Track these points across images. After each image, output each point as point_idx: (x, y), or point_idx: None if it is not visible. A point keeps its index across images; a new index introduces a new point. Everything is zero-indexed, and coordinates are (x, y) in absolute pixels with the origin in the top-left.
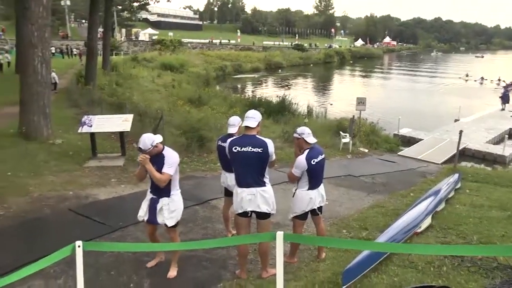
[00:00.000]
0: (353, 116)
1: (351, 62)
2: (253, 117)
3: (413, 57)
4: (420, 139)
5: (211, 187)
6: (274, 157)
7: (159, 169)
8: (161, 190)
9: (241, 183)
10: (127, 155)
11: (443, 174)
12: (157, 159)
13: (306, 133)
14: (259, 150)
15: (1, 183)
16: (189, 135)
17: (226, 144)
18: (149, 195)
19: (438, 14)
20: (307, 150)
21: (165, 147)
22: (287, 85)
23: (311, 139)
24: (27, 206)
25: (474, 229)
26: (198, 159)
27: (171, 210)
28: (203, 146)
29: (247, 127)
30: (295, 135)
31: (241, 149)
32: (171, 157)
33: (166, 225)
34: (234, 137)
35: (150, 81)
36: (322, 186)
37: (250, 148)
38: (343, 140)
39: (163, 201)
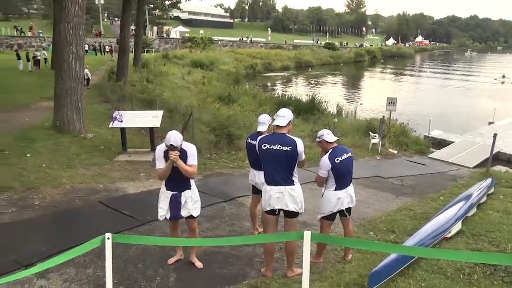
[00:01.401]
0: (383, 116)
1: (382, 61)
2: (283, 116)
3: (446, 57)
4: (452, 142)
5: (239, 184)
6: (303, 156)
7: (184, 162)
8: (183, 184)
9: (269, 181)
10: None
11: (475, 178)
12: (180, 154)
13: (325, 134)
14: (288, 148)
15: (36, 174)
16: (218, 132)
17: (256, 142)
18: (168, 193)
19: (474, 12)
20: (331, 150)
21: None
22: (317, 84)
23: (331, 138)
24: (59, 197)
25: (508, 237)
26: (227, 156)
27: (194, 200)
28: (231, 144)
29: (277, 126)
30: (317, 139)
31: (270, 146)
32: (191, 148)
33: (191, 216)
34: (264, 135)
35: (180, 78)
36: (351, 186)
37: (279, 146)
38: (373, 141)
39: (186, 194)
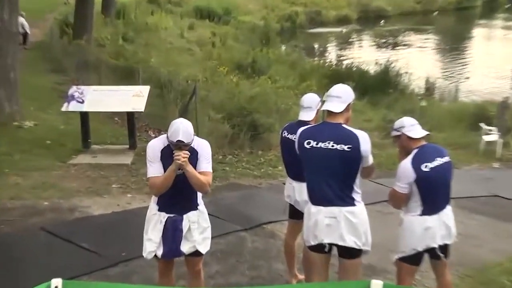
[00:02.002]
0: (506, 98)
1: (507, 6)
2: (339, 97)
3: None
4: None
5: (268, 203)
6: (370, 160)
7: (194, 168)
8: (187, 202)
9: (316, 199)
10: (138, 148)
11: None
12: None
13: (408, 126)
14: (346, 147)
15: None
16: (235, 121)
17: (296, 136)
18: (162, 215)
19: None
20: (416, 151)
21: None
22: (393, 47)
23: (416, 131)
24: None
25: None
26: (249, 158)
27: (203, 227)
28: (257, 139)
29: (329, 112)
30: (392, 132)
31: (317, 144)
32: (204, 147)
33: (197, 253)
34: (309, 125)
35: (177, 36)
36: (448, 210)
37: (331, 143)
38: (486, 138)
39: (190, 217)
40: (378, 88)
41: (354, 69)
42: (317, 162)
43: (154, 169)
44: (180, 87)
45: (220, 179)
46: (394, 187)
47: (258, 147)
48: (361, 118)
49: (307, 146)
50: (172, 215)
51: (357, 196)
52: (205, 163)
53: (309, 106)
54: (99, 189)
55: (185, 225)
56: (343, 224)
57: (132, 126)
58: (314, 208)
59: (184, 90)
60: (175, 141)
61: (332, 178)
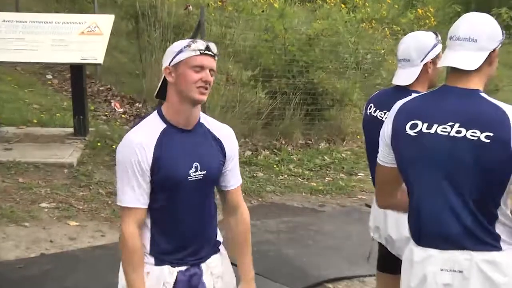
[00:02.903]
0: None
1: None
2: (473, 40)
3: None
4: None
5: (338, 241)
6: None
7: (215, 177)
8: (204, 239)
9: (425, 235)
10: (91, 134)
11: None
12: (204, 148)
13: None
14: (483, 136)
15: None
16: (277, 86)
17: (390, 115)
18: (164, 272)
19: None
20: None
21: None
22: None
23: None
24: None
25: None
26: (303, 156)
27: (228, 284)
28: (318, 120)
29: (454, 70)
30: None
31: (429, 128)
32: (234, 140)
33: None
34: (414, 95)
35: None
36: None
37: (457, 127)
38: None
39: (211, 266)
40: None
41: None
42: (429, 164)
43: (132, 195)
44: (171, 18)
45: (248, 196)
46: None
47: (321, 135)
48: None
49: (411, 133)
50: (184, 268)
51: (506, 234)
52: (237, 170)
53: (408, 58)
54: (15, 212)
55: (207, 281)
56: (474, 285)
57: (80, 93)
58: (420, 252)
59: (179, 23)
60: (202, 48)
61: (458, 194)
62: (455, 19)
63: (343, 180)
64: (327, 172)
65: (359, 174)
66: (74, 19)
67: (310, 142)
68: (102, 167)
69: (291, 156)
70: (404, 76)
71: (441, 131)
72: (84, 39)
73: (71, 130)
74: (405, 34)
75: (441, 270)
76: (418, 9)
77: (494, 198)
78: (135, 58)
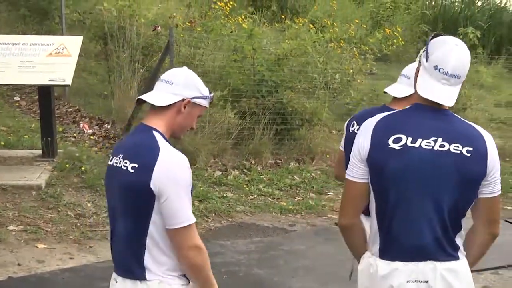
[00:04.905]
0: None
1: None
2: (458, 76)
3: None
4: None
5: (310, 263)
6: (498, 187)
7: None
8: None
9: (395, 248)
10: (59, 155)
11: None
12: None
13: None
14: (465, 150)
15: None
16: (247, 106)
17: (367, 129)
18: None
19: None
20: None
21: (160, 138)
22: None
23: None
24: None
25: None
26: (273, 176)
27: None
28: (287, 139)
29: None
30: None
31: (414, 142)
32: (174, 174)
33: None
34: (393, 111)
35: None
36: None
37: (440, 141)
38: None
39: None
40: None
41: (483, 5)
42: (413, 177)
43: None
44: (140, 39)
45: (218, 216)
46: None
47: (290, 155)
48: (491, 99)
49: (396, 147)
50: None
51: (461, 244)
52: (177, 200)
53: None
54: None
55: None
56: None
57: (48, 114)
58: (385, 266)
59: (148, 44)
60: (210, 95)
61: (437, 206)
62: (423, 39)
63: (313, 199)
64: (297, 191)
65: (329, 193)
66: (42, 41)
67: (279, 161)
68: (71, 189)
69: (261, 176)
70: (398, 89)
71: (425, 145)
72: (52, 60)
73: (39, 152)
74: (373, 54)
75: (407, 282)
76: (386, 29)
77: (464, 210)
78: (104, 79)
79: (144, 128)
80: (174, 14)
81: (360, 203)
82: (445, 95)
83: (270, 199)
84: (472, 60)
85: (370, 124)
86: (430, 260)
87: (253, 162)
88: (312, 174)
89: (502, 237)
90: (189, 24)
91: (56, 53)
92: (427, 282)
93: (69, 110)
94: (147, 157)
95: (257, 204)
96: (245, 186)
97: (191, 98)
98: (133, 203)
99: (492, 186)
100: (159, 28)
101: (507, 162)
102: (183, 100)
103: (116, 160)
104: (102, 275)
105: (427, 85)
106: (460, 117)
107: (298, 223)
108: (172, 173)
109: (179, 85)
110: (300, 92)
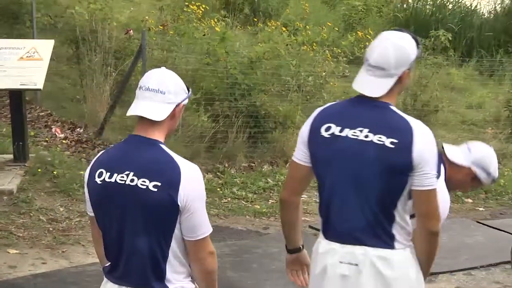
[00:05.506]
0: None
1: None
2: (382, 68)
3: None
4: None
5: (283, 263)
6: (432, 181)
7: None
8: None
9: (331, 229)
10: (31, 160)
11: None
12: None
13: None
14: (388, 142)
15: None
16: (220, 109)
17: (310, 119)
18: None
19: None
20: None
21: (170, 151)
22: None
23: None
24: None
25: None
26: (246, 179)
27: None
28: (261, 142)
29: (368, 81)
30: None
31: (341, 131)
32: (194, 183)
33: None
34: (334, 103)
35: None
36: None
37: (366, 132)
38: None
39: None
40: (497, 44)
41: (454, 8)
42: (339, 163)
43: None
44: (112, 43)
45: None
46: None
47: (264, 158)
48: (463, 101)
49: (325, 135)
50: None
51: (401, 235)
52: (198, 216)
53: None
54: None
55: None
56: (366, 277)
57: (19, 119)
58: (325, 245)
59: (120, 47)
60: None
61: (363, 193)
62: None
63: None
64: (271, 194)
65: (302, 196)
66: (13, 45)
67: (253, 164)
68: (43, 193)
69: (235, 179)
70: (370, 86)
71: (352, 135)
72: (23, 64)
73: (10, 156)
74: (346, 57)
75: (340, 262)
76: (358, 32)
77: (392, 200)
78: (76, 83)
79: (146, 141)
80: (147, 17)
81: (300, 184)
82: (370, 86)
83: (243, 202)
84: (443, 63)
85: (315, 111)
86: (362, 245)
87: (226, 165)
88: (286, 177)
89: (474, 238)
90: (161, 27)
91: (27, 57)
92: (357, 265)
93: (41, 114)
94: (169, 175)
95: (230, 207)
96: (218, 189)
97: (182, 102)
98: (156, 221)
99: (422, 179)
100: (132, 31)
101: None
102: (177, 105)
103: (122, 177)
104: (75, 280)
105: (358, 77)
106: (396, 110)
107: (272, 226)
108: (197, 188)
109: (171, 93)
110: (273, 95)
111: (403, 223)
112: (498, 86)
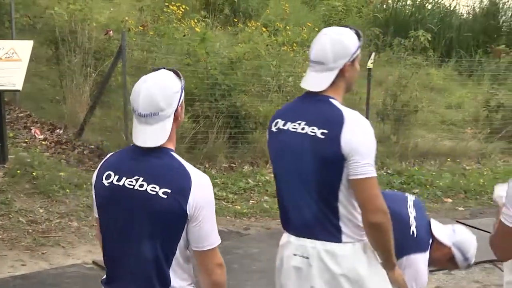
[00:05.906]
0: None
1: None
2: (321, 63)
3: None
4: None
5: (264, 266)
6: (366, 169)
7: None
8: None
9: (288, 219)
10: (10, 161)
11: None
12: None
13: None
14: (319, 132)
15: None
16: (201, 110)
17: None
18: None
19: None
20: None
21: (181, 158)
22: None
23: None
24: None
25: None
26: (227, 179)
27: None
28: (241, 143)
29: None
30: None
31: (284, 125)
32: (204, 192)
33: None
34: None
35: None
36: None
37: (302, 124)
38: None
39: None
40: (476, 45)
41: (433, 8)
42: (285, 156)
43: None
44: (92, 43)
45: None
46: (500, 219)
47: (244, 158)
48: (442, 101)
49: (274, 129)
50: None
51: (348, 228)
52: (208, 228)
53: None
54: None
55: None
56: (316, 271)
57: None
58: (285, 237)
59: (100, 48)
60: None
61: (305, 185)
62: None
63: (268, 202)
64: (251, 195)
65: None
66: None
67: (234, 165)
68: (23, 195)
69: (215, 180)
70: (313, 81)
71: (292, 128)
72: (2, 65)
73: None
74: None
75: (294, 254)
76: None
77: (331, 192)
78: (55, 83)
79: (157, 149)
80: (127, 18)
81: None
82: (312, 81)
83: (224, 203)
84: (423, 63)
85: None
86: (312, 238)
87: (207, 165)
88: (266, 177)
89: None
90: (141, 28)
91: (6, 57)
92: (308, 258)
93: (20, 115)
94: (180, 182)
95: (223, 207)
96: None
97: (180, 102)
98: (164, 227)
99: (354, 168)
100: (111, 32)
101: (457, 163)
102: (175, 109)
103: (131, 182)
104: (55, 281)
105: (305, 75)
106: (336, 103)
107: (253, 226)
108: (206, 197)
109: (164, 109)
110: (254, 95)
111: (350, 216)
112: (477, 86)
